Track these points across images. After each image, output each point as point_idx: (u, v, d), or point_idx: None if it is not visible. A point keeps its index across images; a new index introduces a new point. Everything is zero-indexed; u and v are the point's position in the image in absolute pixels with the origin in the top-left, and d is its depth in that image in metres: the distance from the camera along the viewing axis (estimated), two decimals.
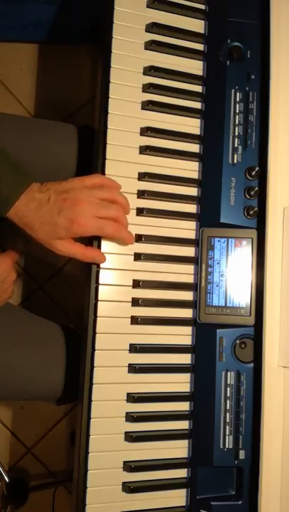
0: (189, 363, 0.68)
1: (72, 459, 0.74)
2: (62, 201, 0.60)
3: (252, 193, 0.67)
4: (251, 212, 0.67)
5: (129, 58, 0.67)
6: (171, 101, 0.69)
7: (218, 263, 0.67)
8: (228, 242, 0.68)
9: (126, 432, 0.64)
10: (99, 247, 0.65)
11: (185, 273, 0.68)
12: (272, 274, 0.64)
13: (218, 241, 0.68)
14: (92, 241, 0.65)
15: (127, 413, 0.64)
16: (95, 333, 0.63)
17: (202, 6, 0.71)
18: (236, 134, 0.68)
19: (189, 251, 0.69)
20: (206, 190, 0.68)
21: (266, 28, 0.67)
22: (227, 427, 0.65)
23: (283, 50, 0.66)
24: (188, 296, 0.68)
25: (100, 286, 0.64)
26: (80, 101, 1.25)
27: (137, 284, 0.65)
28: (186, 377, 0.67)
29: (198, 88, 0.70)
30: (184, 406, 0.67)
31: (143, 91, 0.68)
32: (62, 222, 0.60)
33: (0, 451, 1.19)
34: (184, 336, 0.68)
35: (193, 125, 0.70)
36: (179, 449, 0.66)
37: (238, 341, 0.66)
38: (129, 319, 0.65)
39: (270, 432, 0.62)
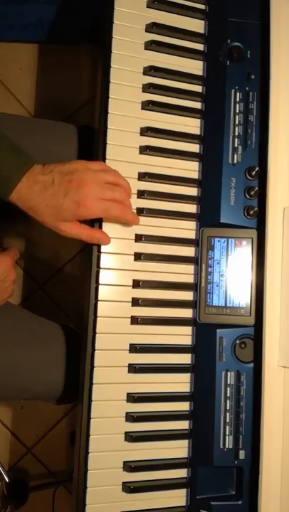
0: (189, 363, 0.68)
1: (72, 459, 0.74)
2: (67, 183, 0.59)
3: (252, 193, 0.67)
4: (251, 212, 0.67)
5: (129, 58, 0.67)
6: (171, 101, 0.69)
7: (218, 263, 0.67)
8: (228, 242, 0.68)
9: (126, 432, 0.64)
10: (99, 247, 0.64)
11: (185, 273, 0.68)
12: (272, 274, 0.64)
13: (218, 241, 0.68)
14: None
15: (127, 413, 0.64)
16: (95, 333, 0.63)
17: (202, 6, 0.71)
18: (236, 134, 0.68)
19: (189, 251, 0.69)
20: (206, 190, 0.68)
21: (266, 28, 0.67)
22: (227, 427, 0.65)
23: (283, 50, 0.66)
24: (188, 296, 0.68)
25: (100, 286, 0.64)
26: (80, 101, 1.25)
27: (137, 284, 0.65)
28: (186, 377, 0.67)
29: (198, 88, 0.70)
30: (184, 406, 0.67)
31: (143, 91, 0.68)
32: (68, 204, 0.59)
33: (0, 451, 1.19)
34: (184, 335, 0.68)
35: (193, 125, 0.70)
36: (179, 449, 0.66)
37: (238, 341, 0.66)
38: (129, 319, 0.65)
39: (270, 432, 0.62)
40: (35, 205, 0.60)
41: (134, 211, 0.66)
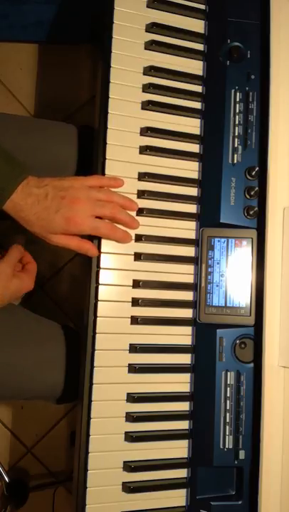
0: (189, 363, 0.68)
1: (72, 459, 0.74)
2: (60, 199, 0.61)
3: (252, 193, 0.67)
4: (251, 213, 0.67)
5: (129, 58, 0.67)
6: (171, 101, 0.69)
7: (218, 263, 0.67)
8: (228, 242, 0.68)
9: (126, 432, 0.64)
10: (99, 247, 0.65)
11: (185, 273, 0.68)
12: (273, 274, 0.64)
13: (218, 241, 0.68)
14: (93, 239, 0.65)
15: (127, 413, 0.64)
16: (95, 333, 0.63)
17: (202, 6, 0.71)
18: (236, 134, 0.68)
19: (189, 251, 0.69)
20: (206, 190, 0.68)
21: (266, 28, 0.67)
22: (227, 427, 0.65)
23: (283, 50, 0.66)
24: (188, 296, 0.68)
25: (100, 286, 0.64)
26: (80, 101, 1.25)
27: (137, 284, 0.65)
28: (186, 377, 0.67)
29: (198, 88, 0.70)
30: (184, 406, 0.67)
31: (143, 91, 0.68)
32: (58, 220, 0.61)
33: (0, 451, 1.19)
34: (184, 336, 0.68)
35: (193, 125, 0.70)
36: (179, 449, 0.66)
37: (238, 341, 0.66)
38: (129, 319, 0.65)
39: (270, 432, 0.62)
40: (27, 216, 0.61)
41: (134, 211, 0.66)
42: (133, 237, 0.66)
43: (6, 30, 1.15)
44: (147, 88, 0.67)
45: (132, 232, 0.66)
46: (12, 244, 0.71)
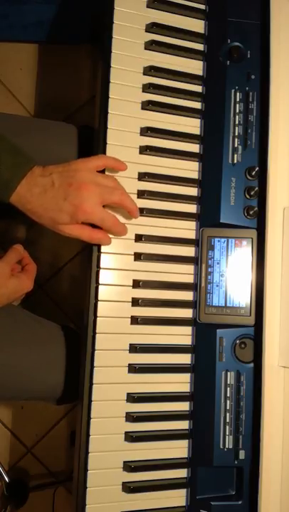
0: (189, 363, 0.68)
1: (72, 459, 0.74)
2: (67, 186, 0.59)
3: (252, 193, 0.67)
4: (251, 213, 0.67)
5: (129, 58, 0.67)
6: (171, 101, 0.69)
7: (218, 263, 0.67)
8: (228, 242, 0.68)
9: (126, 432, 0.64)
10: (99, 247, 0.65)
11: (185, 273, 0.68)
12: (273, 274, 0.64)
13: (218, 241, 0.68)
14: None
15: (127, 413, 0.64)
16: (95, 333, 0.63)
17: (202, 6, 0.71)
18: (236, 134, 0.68)
19: (189, 251, 0.69)
20: (206, 190, 0.68)
21: (266, 28, 0.67)
22: (227, 427, 0.65)
23: (283, 50, 0.66)
24: (188, 296, 0.68)
25: (100, 286, 0.64)
26: (80, 101, 1.25)
27: (137, 284, 0.65)
28: (186, 377, 0.67)
29: (198, 88, 0.70)
30: (184, 406, 0.67)
31: (143, 91, 0.68)
32: (67, 208, 0.59)
33: (0, 451, 1.19)
34: (184, 336, 0.68)
35: (193, 125, 0.70)
36: (179, 449, 0.66)
37: (238, 341, 0.66)
38: (129, 319, 0.65)
39: (270, 432, 0.62)
40: (34, 208, 0.60)
41: None
42: (133, 237, 0.66)
43: (6, 30, 1.15)
44: (147, 88, 0.67)
45: (132, 232, 0.66)
46: (11, 244, 0.71)
